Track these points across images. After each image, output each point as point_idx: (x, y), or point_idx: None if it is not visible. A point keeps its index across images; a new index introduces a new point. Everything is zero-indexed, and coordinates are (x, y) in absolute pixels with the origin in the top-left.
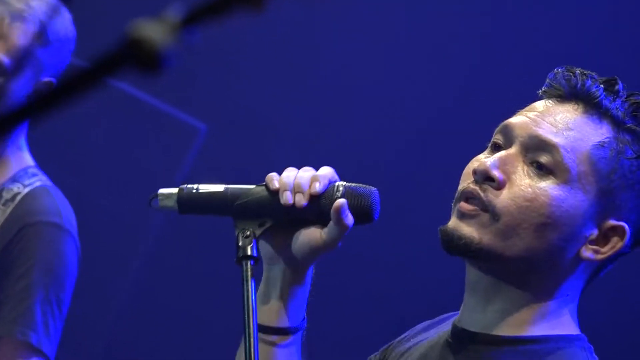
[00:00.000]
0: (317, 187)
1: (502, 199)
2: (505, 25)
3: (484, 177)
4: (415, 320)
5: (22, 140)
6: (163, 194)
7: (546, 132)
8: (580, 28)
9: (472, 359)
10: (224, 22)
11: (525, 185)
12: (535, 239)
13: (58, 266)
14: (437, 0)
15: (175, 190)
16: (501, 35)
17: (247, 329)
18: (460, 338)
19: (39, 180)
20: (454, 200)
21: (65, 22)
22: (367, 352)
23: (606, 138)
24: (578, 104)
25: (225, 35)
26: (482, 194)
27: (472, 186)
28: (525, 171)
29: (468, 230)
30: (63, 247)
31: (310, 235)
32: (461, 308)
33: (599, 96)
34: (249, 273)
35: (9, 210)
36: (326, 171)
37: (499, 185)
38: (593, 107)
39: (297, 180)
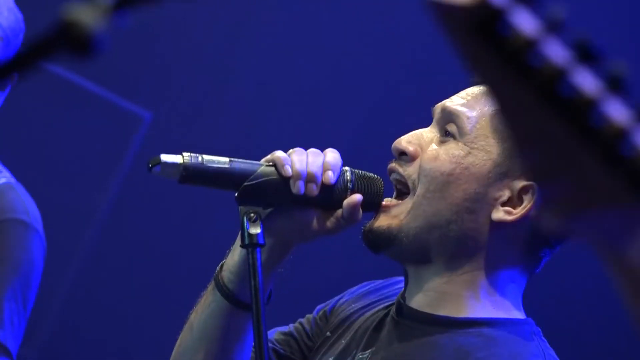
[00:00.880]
0: (331, 178)
1: (414, 167)
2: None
3: (398, 153)
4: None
5: None
6: (166, 162)
7: (454, 104)
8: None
9: (418, 338)
10: (155, 6)
11: (431, 149)
12: (441, 200)
13: (25, 264)
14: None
15: (179, 158)
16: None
17: (255, 317)
18: (406, 315)
19: (3, 177)
20: None
21: (14, 11)
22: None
23: None
24: None
25: (169, 22)
26: (400, 169)
27: (391, 164)
28: (435, 141)
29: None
30: (30, 245)
31: (311, 218)
32: (404, 283)
33: None
34: (257, 261)
35: None
36: (336, 158)
37: (412, 157)
38: None
39: (310, 169)
